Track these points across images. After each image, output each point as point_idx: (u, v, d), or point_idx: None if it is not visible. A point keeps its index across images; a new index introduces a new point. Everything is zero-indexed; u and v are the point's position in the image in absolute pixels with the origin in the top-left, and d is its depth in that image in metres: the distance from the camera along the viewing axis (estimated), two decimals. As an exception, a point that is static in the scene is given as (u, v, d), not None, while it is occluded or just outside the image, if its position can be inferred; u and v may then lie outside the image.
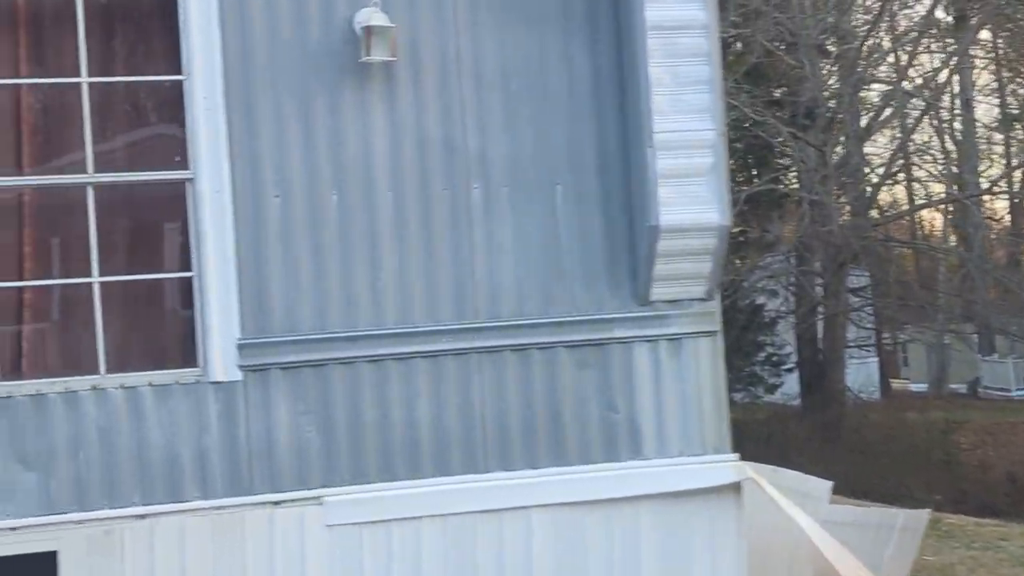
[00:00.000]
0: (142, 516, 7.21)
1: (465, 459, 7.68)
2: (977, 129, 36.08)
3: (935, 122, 34.04)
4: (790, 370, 31.55)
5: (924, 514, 11.80)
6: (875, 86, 30.69)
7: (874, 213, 30.65)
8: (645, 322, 7.97)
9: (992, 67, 35.36)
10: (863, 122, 29.81)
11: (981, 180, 34.08)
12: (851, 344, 32.85)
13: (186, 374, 7.39)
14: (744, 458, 8.10)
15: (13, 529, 7.04)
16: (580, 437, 7.86)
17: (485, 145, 7.84)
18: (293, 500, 7.43)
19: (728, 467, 7.97)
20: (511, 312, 7.83)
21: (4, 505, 7.03)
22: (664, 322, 7.99)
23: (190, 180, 7.47)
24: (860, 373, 36.35)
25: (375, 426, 7.59)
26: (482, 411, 7.74)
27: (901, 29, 31.00)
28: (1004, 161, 36.75)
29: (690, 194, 7.82)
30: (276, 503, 7.42)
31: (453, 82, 7.80)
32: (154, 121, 7.93)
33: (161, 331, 7.78)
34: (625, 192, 7.98)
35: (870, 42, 28.70)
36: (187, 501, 7.28)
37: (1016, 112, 35.39)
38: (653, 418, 7.95)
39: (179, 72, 7.47)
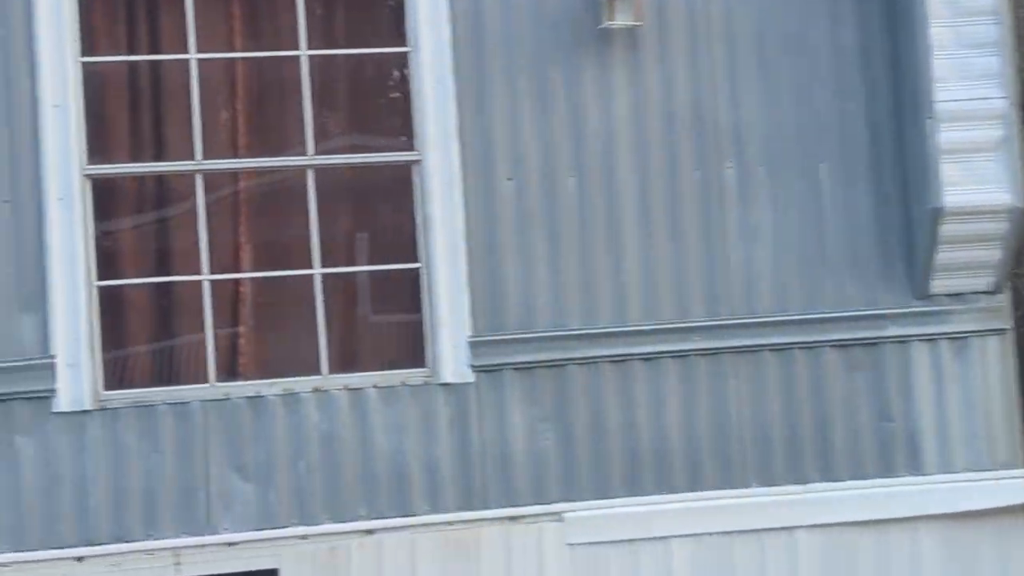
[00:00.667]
0: (369, 531, 6.57)
1: (720, 472, 6.84)
2: None
3: None
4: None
5: None
6: None
7: None
8: (924, 318, 7.01)
9: None
10: None
11: None
12: None
13: (414, 375, 6.73)
14: (1039, 474, 7.11)
15: (231, 544, 6.49)
16: (850, 449, 6.94)
17: (740, 119, 6.97)
18: (531, 516, 6.69)
19: (1022, 484, 6.98)
20: (770, 307, 6.96)
21: (221, 518, 6.50)
22: (946, 318, 7.02)
23: (416, 162, 6.82)
24: None
25: (619, 434, 6.81)
26: (738, 418, 6.90)
27: None
28: None
29: (977, 172, 6.83)
30: (512, 519, 6.70)
31: (703, 49, 6.97)
32: (377, 98, 7.30)
33: (386, 327, 7.14)
34: (899, 170, 7.03)
35: None
36: (416, 515, 6.61)
37: None
38: (934, 428, 6.98)
39: (404, 44, 6.84)
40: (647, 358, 6.85)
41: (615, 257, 6.87)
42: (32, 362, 6.36)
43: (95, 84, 6.66)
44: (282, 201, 6.98)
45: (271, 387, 6.63)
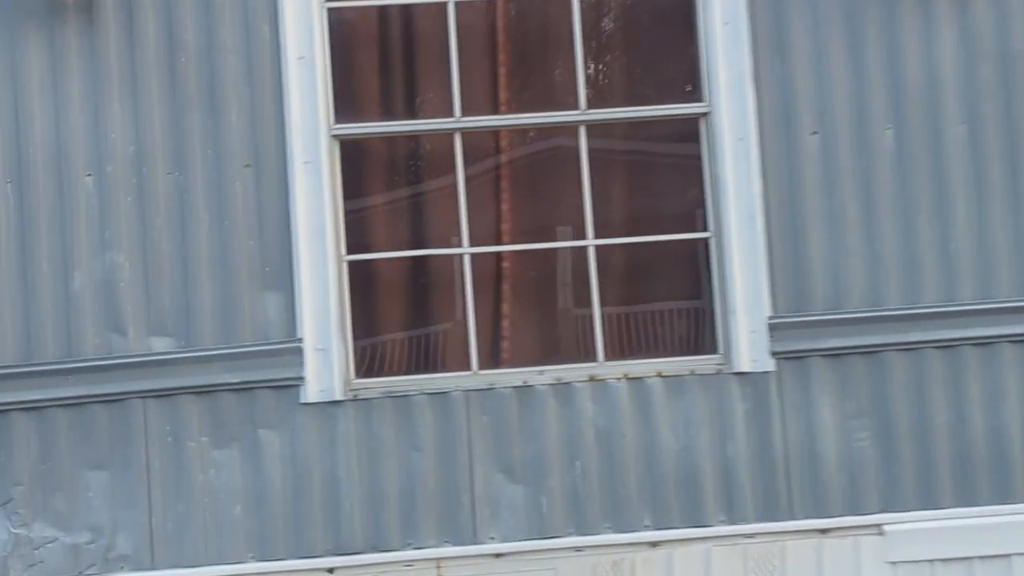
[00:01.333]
0: (655, 543, 5.70)
1: (1073, 478, 5.78)
2: None
3: None
4: None
5: None
6: None
7: None
8: None
9: None
10: None
11: None
12: None
13: (704, 362, 5.79)
14: None
15: (498, 556, 5.70)
16: None
17: (1092, 57, 5.87)
18: (845, 528, 5.70)
19: None
20: None
21: (488, 525, 5.72)
22: None
23: (704, 115, 5.87)
24: None
25: (948, 433, 5.73)
26: (1095, 414, 5.80)
27: None
28: None
29: None
30: (823, 531, 5.73)
31: (1047, -25, 5.88)
32: (658, 43, 6.38)
33: (670, 307, 6.22)
34: None
35: None
36: (710, 526, 5.71)
37: None
38: None
39: (688, -22, 5.93)
40: (981, 343, 5.76)
41: (942, 223, 5.79)
42: (277, 346, 5.66)
43: (342, 33, 5.92)
44: (550, 163, 6.14)
45: (540, 375, 5.79)
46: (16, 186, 5.67)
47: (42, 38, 5.67)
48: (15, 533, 5.60)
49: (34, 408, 5.62)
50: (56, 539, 5.60)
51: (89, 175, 5.69)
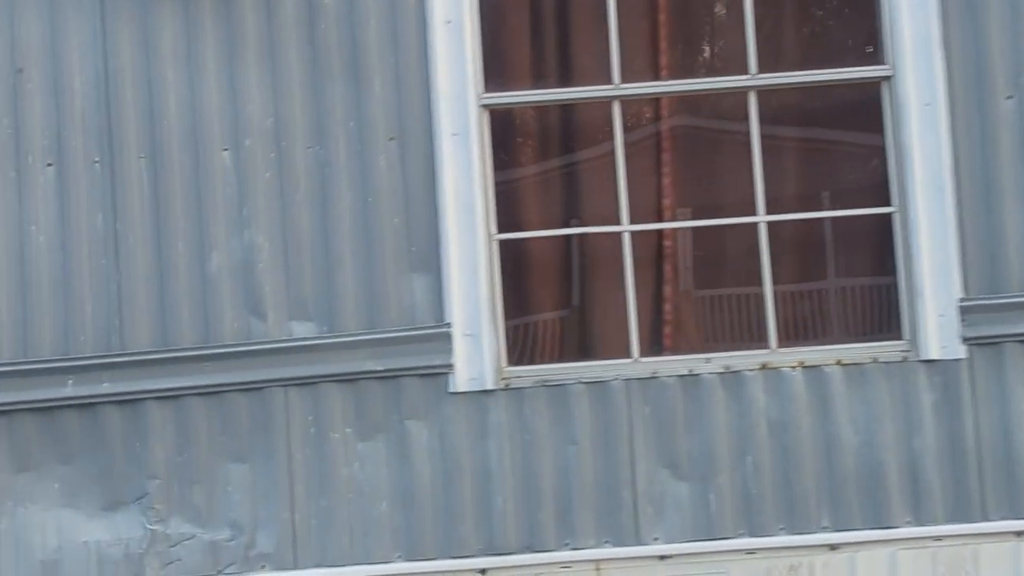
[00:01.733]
0: (834, 546, 5.23)
1: None
2: None
3: None
4: None
5: None
6: None
7: None
8: None
9: None
10: None
11: None
12: None
13: (887, 349, 5.29)
14: None
15: (662, 558, 5.28)
16: None
17: None
18: (1046, 531, 5.24)
19: None
20: None
21: (652, 526, 5.30)
22: None
23: (887, 79, 5.36)
24: None
25: None
26: None
27: None
28: None
29: None
30: (1019, 534, 5.21)
31: None
32: (834, 2, 5.88)
33: (849, 288, 5.71)
34: None
35: None
36: (895, 527, 5.22)
37: None
38: None
39: (869, -71, 5.43)
40: None
41: None
42: (425, 332, 5.28)
43: (492, -7, 5.57)
44: (715, 133, 5.69)
45: (707, 363, 5.35)
46: (150, 162, 5.37)
47: (176, 3, 5.36)
48: (151, 529, 5.31)
49: (170, 397, 5.31)
50: (194, 536, 5.29)
51: (226, 150, 5.37)
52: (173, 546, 5.29)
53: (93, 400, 5.30)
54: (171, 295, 5.34)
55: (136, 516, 5.30)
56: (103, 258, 5.34)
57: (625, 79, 5.46)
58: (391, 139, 5.34)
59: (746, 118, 5.44)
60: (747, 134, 5.44)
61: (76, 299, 5.32)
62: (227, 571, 5.26)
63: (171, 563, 5.28)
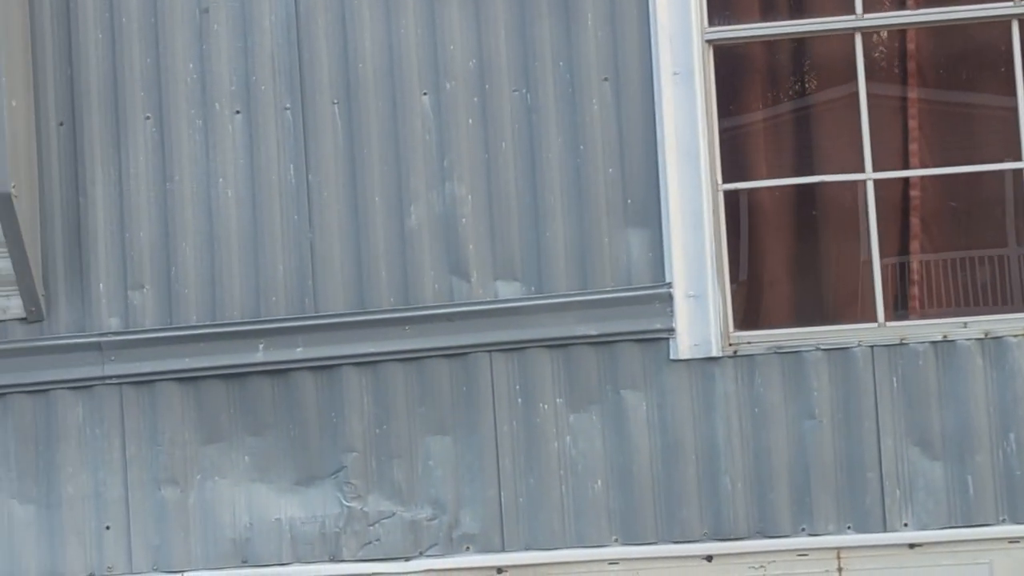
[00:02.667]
0: (1113, 539, 4.62)
1: None
2: None
3: None
4: None
5: None
6: None
7: None
8: None
9: None
10: None
11: None
12: None
13: None
14: None
15: (912, 546, 4.68)
16: None
17: None
18: None
19: None
20: None
21: (900, 510, 4.68)
22: None
23: None
24: None
25: None
26: None
27: None
28: None
29: None
30: None
31: None
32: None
33: None
34: None
35: None
36: None
37: None
38: None
39: None
40: None
41: None
42: (643, 293, 4.79)
43: (715, -84, 5.02)
44: (973, 68, 5.07)
45: (964, 328, 4.72)
46: (344, 107, 4.98)
47: (371, -68, 4.97)
48: (348, 507, 4.94)
49: (367, 363, 4.93)
50: (393, 514, 4.90)
51: (425, 94, 4.95)
52: (371, 525, 4.90)
53: (285, 366, 4.95)
54: (368, 254, 4.95)
55: (332, 492, 4.94)
56: (295, 213, 4.98)
57: (868, 9, 4.87)
58: (605, 80, 4.85)
59: (1008, 50, 4.83)
60: (1009, 69, 4.82)
61: (267, 257, 4.98)
62: (429, 553, 4.87)
63: (369, 543, 4.90)
